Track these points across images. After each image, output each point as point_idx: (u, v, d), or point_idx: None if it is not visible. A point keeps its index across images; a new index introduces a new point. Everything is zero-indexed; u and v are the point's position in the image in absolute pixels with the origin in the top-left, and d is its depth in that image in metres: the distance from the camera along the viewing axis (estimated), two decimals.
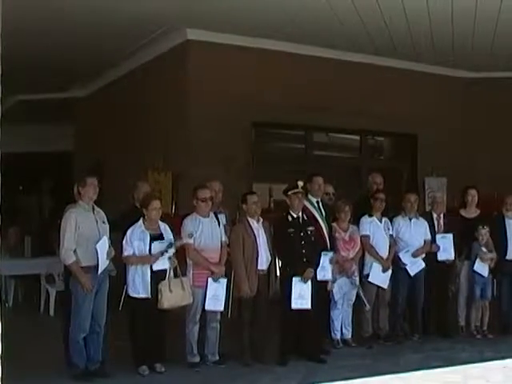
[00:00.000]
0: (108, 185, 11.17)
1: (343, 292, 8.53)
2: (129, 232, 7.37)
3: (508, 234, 9.27)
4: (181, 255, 7.63)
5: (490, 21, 9.86)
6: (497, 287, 9.33)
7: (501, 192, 10.03)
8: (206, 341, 7.75)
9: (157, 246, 7.32)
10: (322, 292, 8.18)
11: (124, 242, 7.36)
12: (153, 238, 7.37)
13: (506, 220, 9.34)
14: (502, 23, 9.98)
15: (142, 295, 7.28)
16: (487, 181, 11.79)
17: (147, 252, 7.30)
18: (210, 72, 10.52)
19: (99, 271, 7.09)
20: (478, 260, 8.97)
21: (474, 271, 9.00)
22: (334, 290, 8.46)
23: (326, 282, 8.28)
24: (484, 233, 9.04)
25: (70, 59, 11.77)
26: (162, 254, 7.30)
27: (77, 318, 7.10)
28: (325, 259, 8.16)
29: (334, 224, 8.61)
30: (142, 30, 10.33)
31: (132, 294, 7.37)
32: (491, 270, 9.04)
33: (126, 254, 7.35)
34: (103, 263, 7.11)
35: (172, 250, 7.39)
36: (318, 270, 8.08)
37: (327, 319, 8.56)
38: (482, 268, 8.99)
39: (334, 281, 8.40)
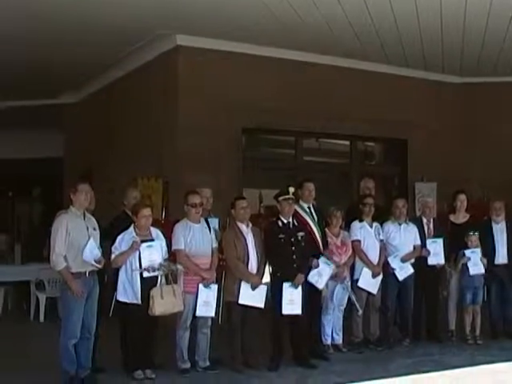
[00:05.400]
0: (98, 191, 11.15)
1: (338, 298, 8.55)
2: (119, 238, 7.35)
3: (496, 239, 9.30)
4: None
5: (478, 28, 9.96)
6: (486, 292, 9.34)
7: (491, 196, 10.06)
8: (196, 347, 7.74)
9: (145, 250, 7.29)
10: (313, 297, 8.21)
11: (113, 247, 7.34)
12: None
13: (494, 225, 9.37)
14: (489, 31, 10.10)
15: (132, 300, 7.25)
16: (477, 185, 11.83)
17: (137, 258, 7.27)
18: (199, 78, 10.50)
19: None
20: (470, 263, 8.97)
21: (471, 276, 8.98)
22: (328, 296, 8.48)
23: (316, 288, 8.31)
24: (474, 239, 9.05)
25: (59, 65, 11.76)
26: (154, 270, 7.30)
27: (67, 325, 7.05)
28: (324, 267, 8.19)
29: (326, 229, 8.62)
30: (133, 35, 10.34)
31: (121, 298, 7.34)
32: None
33: (113, 256, 7.34)
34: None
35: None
36: (313, 273, 8.11)
37: (319, 324, 8.58)
38: (478, 268, 8.98)
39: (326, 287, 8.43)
